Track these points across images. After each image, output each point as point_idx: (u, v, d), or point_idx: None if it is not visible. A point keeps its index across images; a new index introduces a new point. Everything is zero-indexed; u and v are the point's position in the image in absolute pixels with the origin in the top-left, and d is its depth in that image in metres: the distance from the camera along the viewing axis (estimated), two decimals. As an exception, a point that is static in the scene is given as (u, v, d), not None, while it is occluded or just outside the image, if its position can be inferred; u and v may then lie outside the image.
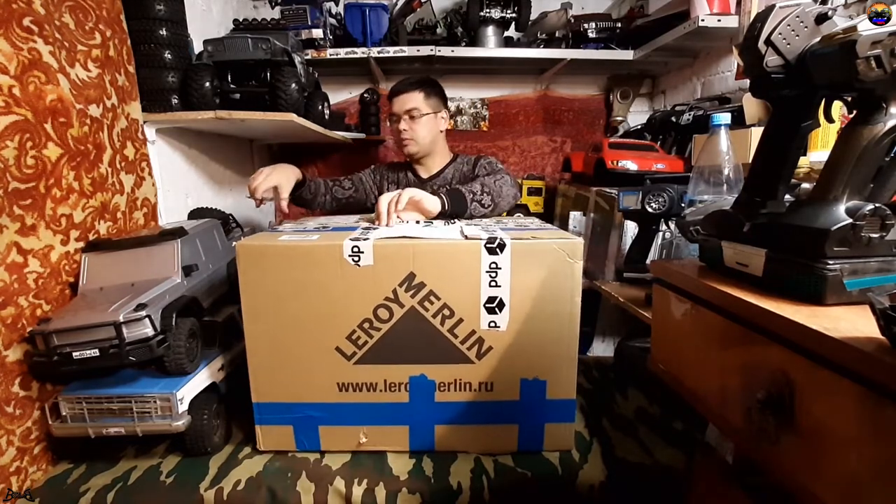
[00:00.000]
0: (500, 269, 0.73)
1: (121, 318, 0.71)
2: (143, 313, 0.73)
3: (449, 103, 1.82)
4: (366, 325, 0.75)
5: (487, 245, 0.73)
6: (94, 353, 0.72)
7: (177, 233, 0.86)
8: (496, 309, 0.75)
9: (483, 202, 1.13)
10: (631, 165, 1.44)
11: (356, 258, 0.72)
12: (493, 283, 0.74)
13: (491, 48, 1.94)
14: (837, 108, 0.56)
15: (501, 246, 0.73)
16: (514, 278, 0.74)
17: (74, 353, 0.72)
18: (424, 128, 1.48)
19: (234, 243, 0.79)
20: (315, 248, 0.74)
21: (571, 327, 0.76)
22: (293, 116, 1.28)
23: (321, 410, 0.78)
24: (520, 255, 0.73)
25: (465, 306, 0.75)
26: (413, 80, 1.49)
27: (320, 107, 1.58)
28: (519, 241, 0.73)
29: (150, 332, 0.73)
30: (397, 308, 0.75)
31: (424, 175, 1.55)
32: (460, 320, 0.75)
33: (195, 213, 1.23)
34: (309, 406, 0.78)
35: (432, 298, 0.75)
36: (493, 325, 0.76)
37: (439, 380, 0.77)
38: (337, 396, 0.77)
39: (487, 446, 0.80)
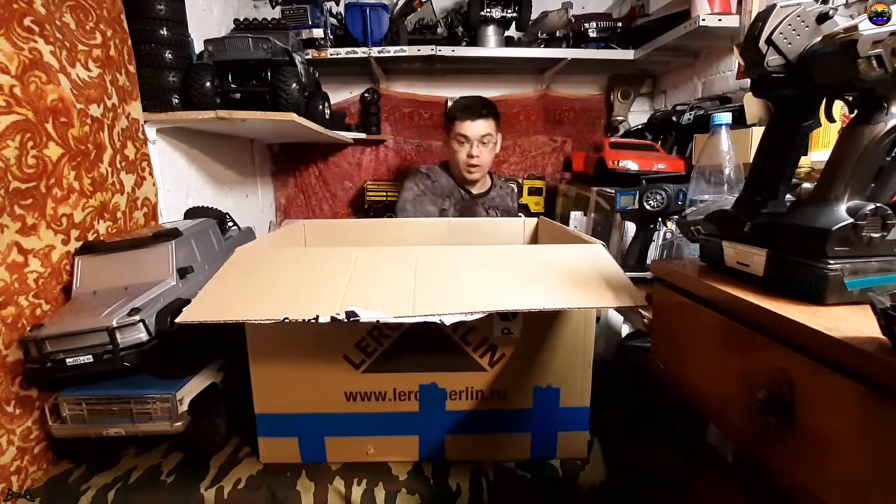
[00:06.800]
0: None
1: (114, 324, 0.71)
2: (137, 318, 0.72)
3: (449, 102, 1.83)
4: (375, 333, 0.73)
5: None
6: (88, 359, 0.71)
7: (171, 234, 0.85)
8: (509, 315, 0.73)
9: None
10: (632, 165, 1.44)
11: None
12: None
13: (491, 48, 1.94)
14: (838, 107, 0.56)
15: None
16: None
17: (68, 360, 0.71)
18: (491, 154, 1.57)
19: (236, 248, 0.78)
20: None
21: (587, 334, 0.75)
22: (294, 116, 1.28)
23: (327, 421, 0.76)
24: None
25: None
26: (487, 106, 1.53)
27: (321, 106, 1.58)
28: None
29: (144, 337, 0.73)
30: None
31: (475, 192, 1.63)
32: (473, 327, 0.73)
33: (191, 213, 1.23)
34: (315, 417, 0.76)
35: None
36: (506, 331, 0.74)
37: (450, 388, 0.76)
38: (344, 406, 0.76)
39: (499, 455, 0.78)
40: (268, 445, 0.78)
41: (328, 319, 0.60)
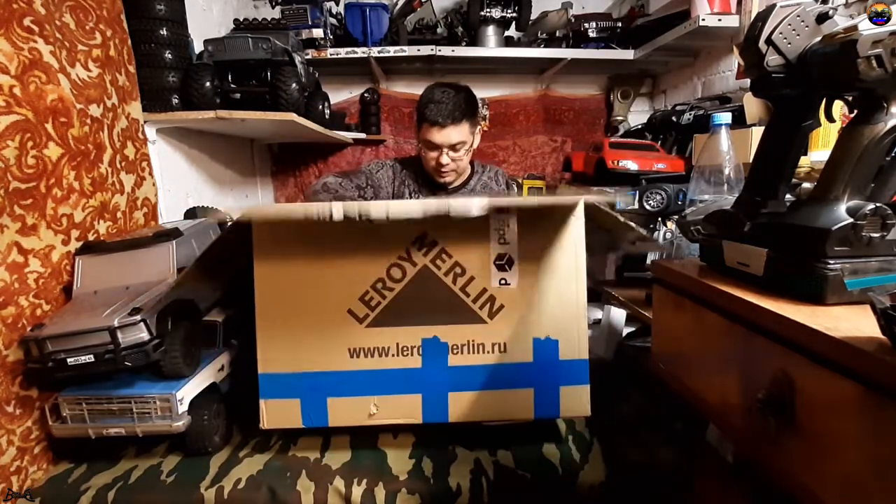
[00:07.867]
0: (507, 227, 0.75)
1: (115, 323, 0.71)
2: (138, 318, 0.72)
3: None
4: (379, 286, 0.75)
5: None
6: (90, 358, 0.71)
7: (172, 234, 0.85)
8: (506, 266, 0.75)
9: None
10: (631, 165, 1.44)
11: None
12: (501, 241, 0.75)
13: (491, 48, 1.94)
14: (838, 107, 0.56)
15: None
16: (520, 235, 0.75)
17: (69, 360, 0.71)
18: (467, 155, 1.35)
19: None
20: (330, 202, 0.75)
21: (578, 282, 0.76)
22: (293, 116, 1.28)
23: (331, 379, 0.76)
24: (525, 213, 0.75)
25: (476, 264, 0.75)
26: (458, 110, 1.25)
27: (321, 106, 1.58)
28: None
29: (145, 336, 0.73)
30: (410, 267, 0.75)
31: (451, 187, 1.43)
32: (472, 278, 0.75)
33: (190, 213, 1.23)
34: (318, 375, 0.76)
35: (444, 256, 0.75)
36: (503, 282, 0.76)
37: (452, 342, 0.77)
38: (348, 363, 0.76)
39: (503, 413, 0.79)
40: (269, 409, 0.77)
41: (341, 216, 0.64)
